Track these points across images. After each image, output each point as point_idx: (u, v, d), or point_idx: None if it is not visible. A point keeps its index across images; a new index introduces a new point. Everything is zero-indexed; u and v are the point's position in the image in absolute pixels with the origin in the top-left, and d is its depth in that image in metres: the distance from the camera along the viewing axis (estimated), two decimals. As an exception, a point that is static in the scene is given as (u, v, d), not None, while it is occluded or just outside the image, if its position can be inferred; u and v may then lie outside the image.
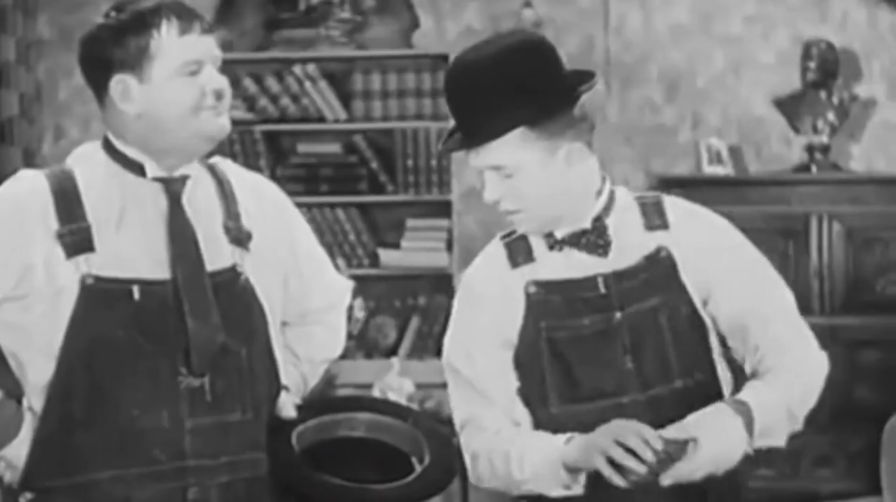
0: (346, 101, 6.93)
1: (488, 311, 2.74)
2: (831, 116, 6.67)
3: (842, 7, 6.84)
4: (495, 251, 2.79)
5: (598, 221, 2.74)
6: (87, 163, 2.62)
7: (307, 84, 6.93)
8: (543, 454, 2.64)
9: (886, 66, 6.85)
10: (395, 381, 6.17)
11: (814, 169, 6.66)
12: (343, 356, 3.02)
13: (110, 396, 2.52)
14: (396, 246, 6.94)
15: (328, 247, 6.92)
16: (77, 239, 2.54)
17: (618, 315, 2.73)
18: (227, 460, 2.59)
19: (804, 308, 2.86)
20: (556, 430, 2.67)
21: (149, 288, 2.55)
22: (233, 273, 2.63)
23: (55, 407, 2.52)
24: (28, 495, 2.56)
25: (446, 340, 2.80)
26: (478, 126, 2.63)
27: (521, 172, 2.65)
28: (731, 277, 2.75)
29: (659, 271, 2.74)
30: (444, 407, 6.66)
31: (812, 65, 6.64)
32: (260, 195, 2.75)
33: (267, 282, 2.68)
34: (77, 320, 2.51)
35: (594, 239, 2.74)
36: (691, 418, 2.58)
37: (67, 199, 2.56)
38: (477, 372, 2.73)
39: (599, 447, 2.55)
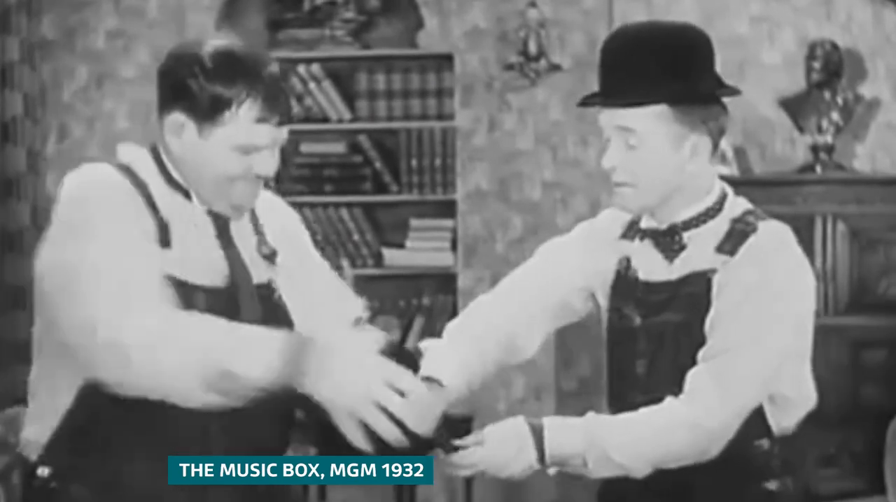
0: (351, 101, 6.93)
1: (577, 251, 2.91)
2: (836, 116, 6.66)
3: (847, 7, 6.83)
4: (621, 215, 2.85)
5: (674, 227, 2.75)
6: (142, 169, 2.57)
7: (311, 84, 6.93)
8: None
9: (891, 67, 6.85)
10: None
11: (818, 169, 6.65)
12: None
13: None
14: (401, 246, 6.94)
15: (332, 247, 6.95)
16: (160, 233, 2.50)
17: (637, 320, 2.76)
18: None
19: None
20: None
21: (209, 295, 2.51)
22: (269, 289, 2.65)
23: (90, 392, 2.47)
24: (46, 470, 2.54)
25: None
26: (624, 86, 2.67)
27: (645, 146, 2.68)
28: (733, 319, 2.63)
29: (693, 290, 2.71)
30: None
31: (817, 65, 6.63)
32: (276, 214, 2.76)
33: (287, 298, 2.69)
34: None
35: (668, 241, 2.75)
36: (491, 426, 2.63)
37: (145, 193, 2.53)
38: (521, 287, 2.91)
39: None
